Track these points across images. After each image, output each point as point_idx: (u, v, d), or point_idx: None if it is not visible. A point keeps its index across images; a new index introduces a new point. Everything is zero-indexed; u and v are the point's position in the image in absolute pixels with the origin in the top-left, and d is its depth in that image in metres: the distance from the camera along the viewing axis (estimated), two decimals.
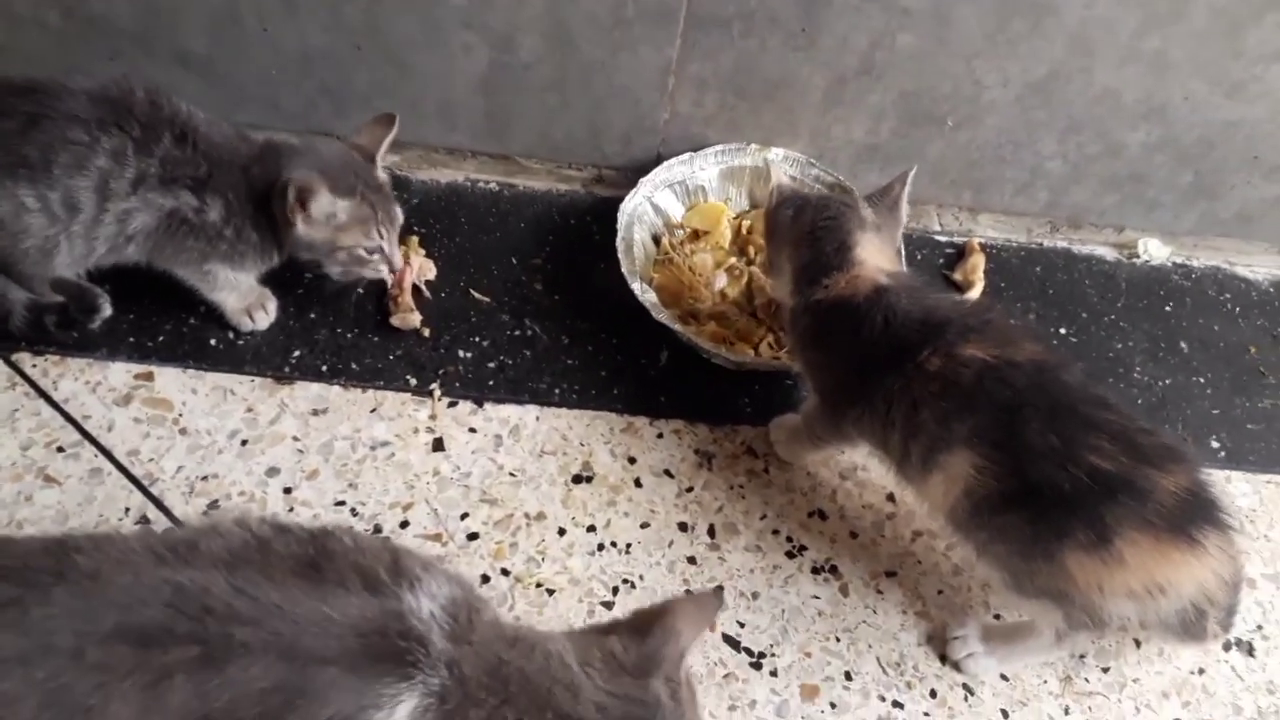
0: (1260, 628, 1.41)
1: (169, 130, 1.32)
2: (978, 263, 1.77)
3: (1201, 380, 1.69)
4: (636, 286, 1.54)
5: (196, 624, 0.79)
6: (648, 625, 0.92)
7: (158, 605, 0.79)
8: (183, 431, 1.40)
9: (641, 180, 1.67)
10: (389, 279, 1.49)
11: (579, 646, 0.90)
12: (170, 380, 1.45)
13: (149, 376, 1.45)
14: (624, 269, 1.56)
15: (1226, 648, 1.38)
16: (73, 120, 1.27)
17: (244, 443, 1.40)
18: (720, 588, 1.05)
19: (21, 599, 0.79)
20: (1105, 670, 1.35)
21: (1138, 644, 1.37)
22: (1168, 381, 1.68)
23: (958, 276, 1.76)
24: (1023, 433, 1.14)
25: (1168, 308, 1.79)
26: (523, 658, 0.87)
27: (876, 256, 1.34)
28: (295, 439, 1.42)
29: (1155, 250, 1.86)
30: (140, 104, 1.31)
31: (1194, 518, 1.10)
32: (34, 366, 1.43)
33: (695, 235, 1.70)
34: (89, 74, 1.32)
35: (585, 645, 0.91)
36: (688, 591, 1.34)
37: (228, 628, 0.79)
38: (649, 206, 1.68)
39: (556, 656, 0.88)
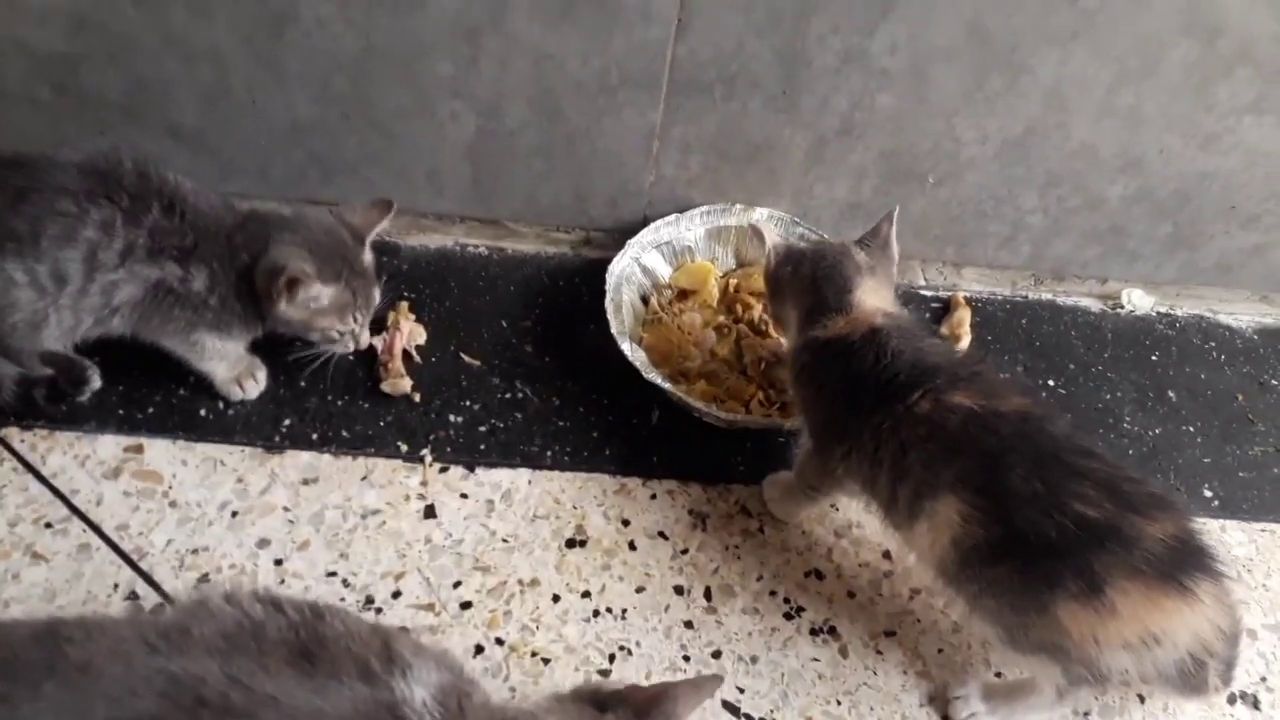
0: (1264, 679, 1.40)
1: (157, 201, 1.32)
2: (963, 317, 1.78)
3: (1191, 429, 1.69)
4: (626, 347, 1.55)
5: (190, 717, 0.78)
6: (646, 708, 0.92)
7: (151, 697, 0.78)
8: (172, 504, 1.39)
9: (629, 242, 1.69)
10: (350, 354, 1.50)
11: None
12: (160, 452, 1.44)
13: (138, 449, 1.44)
14: (613, 329, 1.56)
15: (1231, 701, 1.37)
16: (61, 192, 1.27)
17: (234, 514, 1.39)
18: (719, 676, 1.04)
19: (11, 695, 0.77)
20: None
21: (1141, 700, 1.35)
22: (1157, 431, 1.68)
23: (944, 331, 1.77)
24: (1007, 479, 1.14)
25: (1154, 357, 1.80)
26: None
27: (873, 298, 1.37)
28: (286, 509, 1.40)
29: (1139, 300, 1.88)
30: (129, 175, 1.31)
31: (1184, 565, 1.10)
32: (22, 441, 1.42)
33: (683, 295, 1.71)
34: (77, 147, 1.33)
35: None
36: (685, 658, 1.33)
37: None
38: (637, 267, 1.70)
39: None
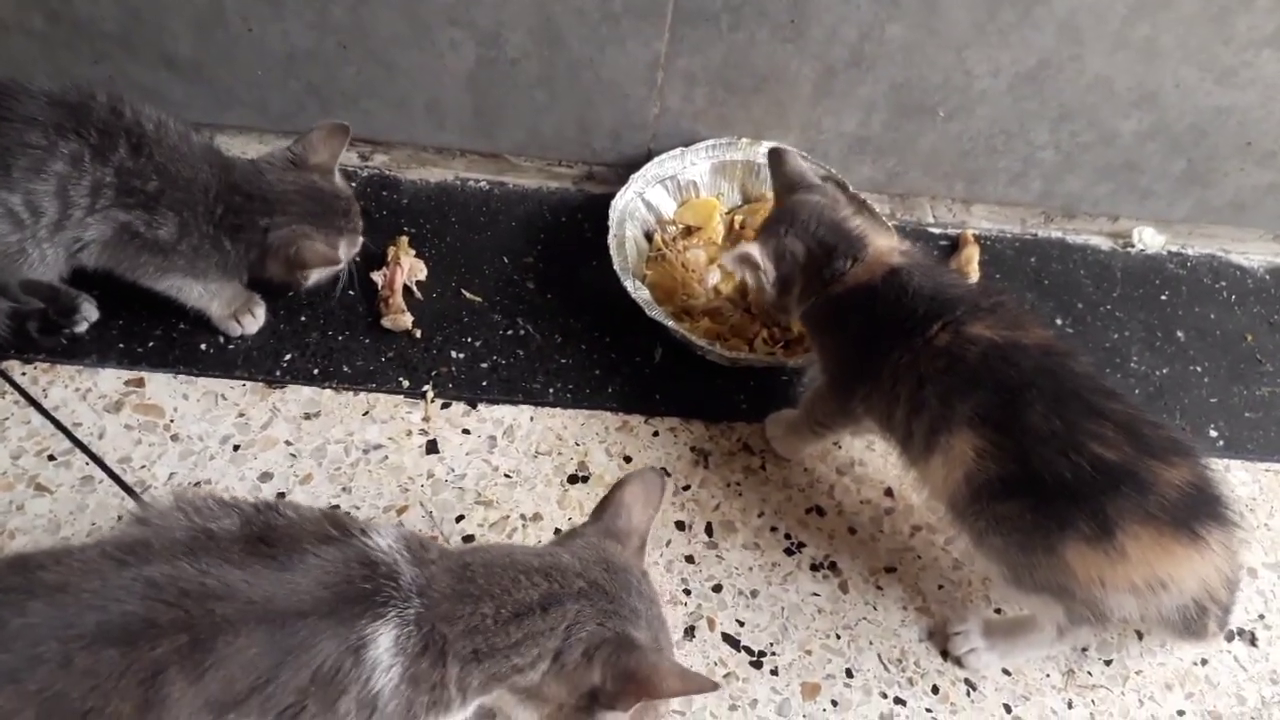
0: (1262, 617, 1.40)
1: (125, 139, 1.28)
2: (972, 254, 1.76)
3: (1199, 369, 1.68)
4: (629, 284, 1.53)
5: (178, 610, 0.80)
6: (600, 507, 1.03)
7: (134, 601, 0.80)
8: (174, 438, 1.39)
9: (632, 176, 1.66)
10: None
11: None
12: (161, 386, 1.44)
13: (139, 383, 1.43)
14: (616, 266, 1.55)
15: (1229, 638, 1.37)
16: (30, 123, 1.24)
17: (236, 448, 1.39)
18: (663, 469, 1.06)
19: None
20: (1108, 663, 1.34)
21: (1140, 636, 1.36)
22: (1165, 371, 1.67)
23: (953, 268, 1.75)
24: (1025, 415, 1.13)
25: (1164, 297, 1.78)
26: (485, 554, 0.95)
27: (879, 235, 1.35)
28: (288, 443, 1.40)
29: (1150, 239, 1.85)
30: (100, 110, 1.28)
31: (1198, 513, 1.09)
32: (23, 374, 1.41)
33: (688, 231, 1.69)
34: (52, 79, 1.30)
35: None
36: (686, 591, 1.33)
37: (207, 605, 0.81)
38: (640, 203, 1.67)
39: (517, 549, 0.97)
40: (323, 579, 0.87)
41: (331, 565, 0.88)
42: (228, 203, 1.35)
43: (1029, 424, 1.12)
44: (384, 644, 0.86)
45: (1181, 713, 1.31)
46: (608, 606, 0.92)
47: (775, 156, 1.47)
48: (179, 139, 1.33)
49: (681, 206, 1.72)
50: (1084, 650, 1.34)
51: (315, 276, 1.44)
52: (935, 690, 1.29)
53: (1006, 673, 1.31)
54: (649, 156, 1.70)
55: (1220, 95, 1.63)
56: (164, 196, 1.31)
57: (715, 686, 0.94)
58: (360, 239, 1.46)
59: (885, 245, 1.33)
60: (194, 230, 1.34)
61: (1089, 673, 1.33)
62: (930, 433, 1.19)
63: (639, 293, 1.53)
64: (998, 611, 1.36)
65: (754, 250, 1.35)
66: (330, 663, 0.83)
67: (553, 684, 0.91)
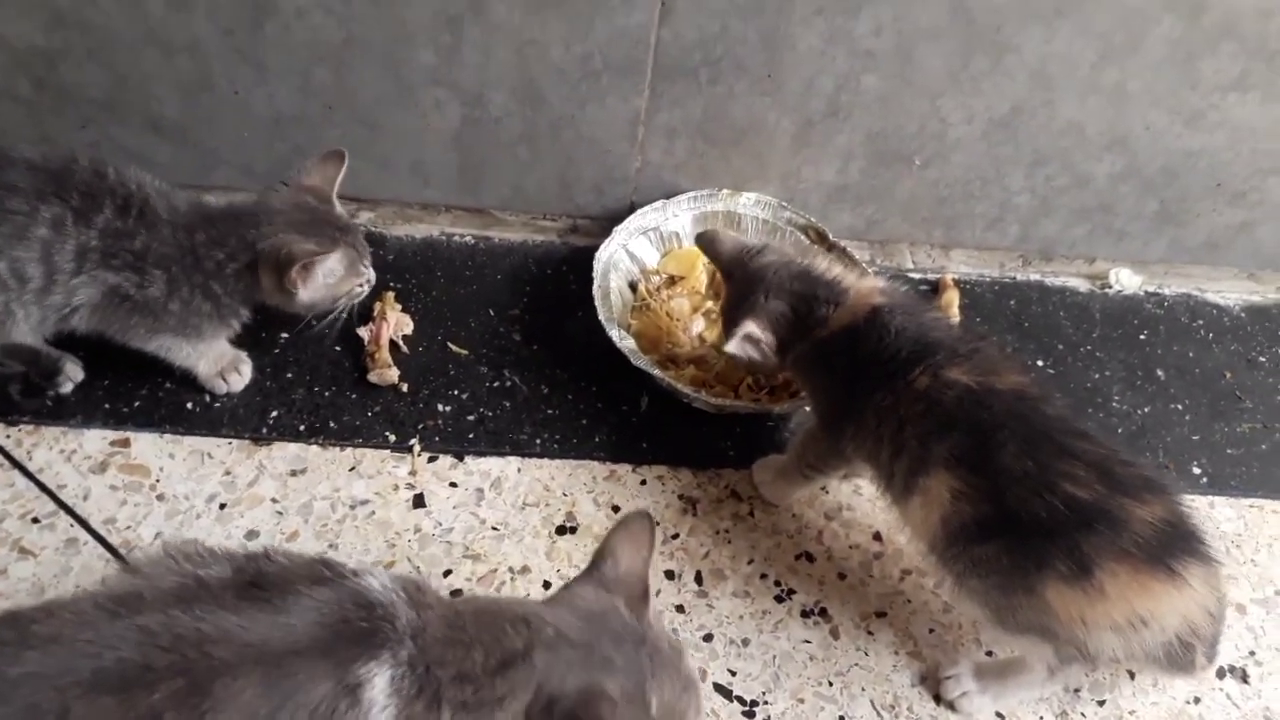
0: (1253, 653, 1.40)
1: (110, 200, 1.28)
2: (952, 299, 1.78)
3: (1179, 407, 1.69)
4: (615, 333, 1.54)
5: (174, 654, 0.80)
6: (596, 560, 1.02)
7: (129, 647, 0.80)
8: (160, 497, 1.38)
9: (616, 228, 1.69)
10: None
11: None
12: (147, 445, 1.43)
13: (125, 443, 1.43)
14: (601, 316, 1.56)
15: (1220, 675, 1.37)
16: (10, 190, 1.25)
17: (222, 506, 1.39)
18: (643, 512, 1.06)
19: None
20: (1101, 703, 1.33)
21: (1132, 675, 1.35)
22: (1146, 410, 1.69)
23: (935, 306, 1.77)
24: (998, 456, 1.14)
25: (1142, 336, 1.80)
26: (476, 603, 0.95)
27: (856, 277, 1.37)
28: (274, 500, 1.40)
29: (1127, 280, 1.88)
30: (82, 173, 1.28)
31: (1173, 549, 1.09)
32: (8, 437, 1.41)
33: (671, 281, 1.71)
34: (32, 146, 1.31)
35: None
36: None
37: (204, 649, 0.81)
38: (624, 254, 1.69)
39: (503, 599, 0.98)
40: (319, 619, 0.87)
41: (327, 605, 0.88)
42: (210, 235, 1.32)
43: (1002, 464, 1.13)
44: (380, 685, 0.85)
45: None
46: (573, 656, 0.91)
47: (706, 241, 1.47)
48: (160, 197, 1.33)
49: (665, 256, 1.74)
50: (1076, 691, 1.33)
51: (310, 294, 1.35)
52: None
53: (1000, 716, 1.30)
54: (631, 209, 1.73)
55: (1189, 138, 1.67)
56: (150, 253, 1.30)
57: None
58: (367, 265, 1.41)
59: (866, 286, 1.35)
60: (183, 284, 1.33)
61: (1082, 714, 1.32)
62: (909, 474, 1.20)
63: (624, 342, 1.54)
64: (989, 654, 1.36)
65: (753, 328, 1.35)
66: (326, 704, 0.83)
67: None
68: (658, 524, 1.42)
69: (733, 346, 1.37)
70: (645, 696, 0.92)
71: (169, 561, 0.91)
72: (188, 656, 0.80)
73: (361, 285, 1.42)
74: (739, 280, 1.41)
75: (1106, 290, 1.88)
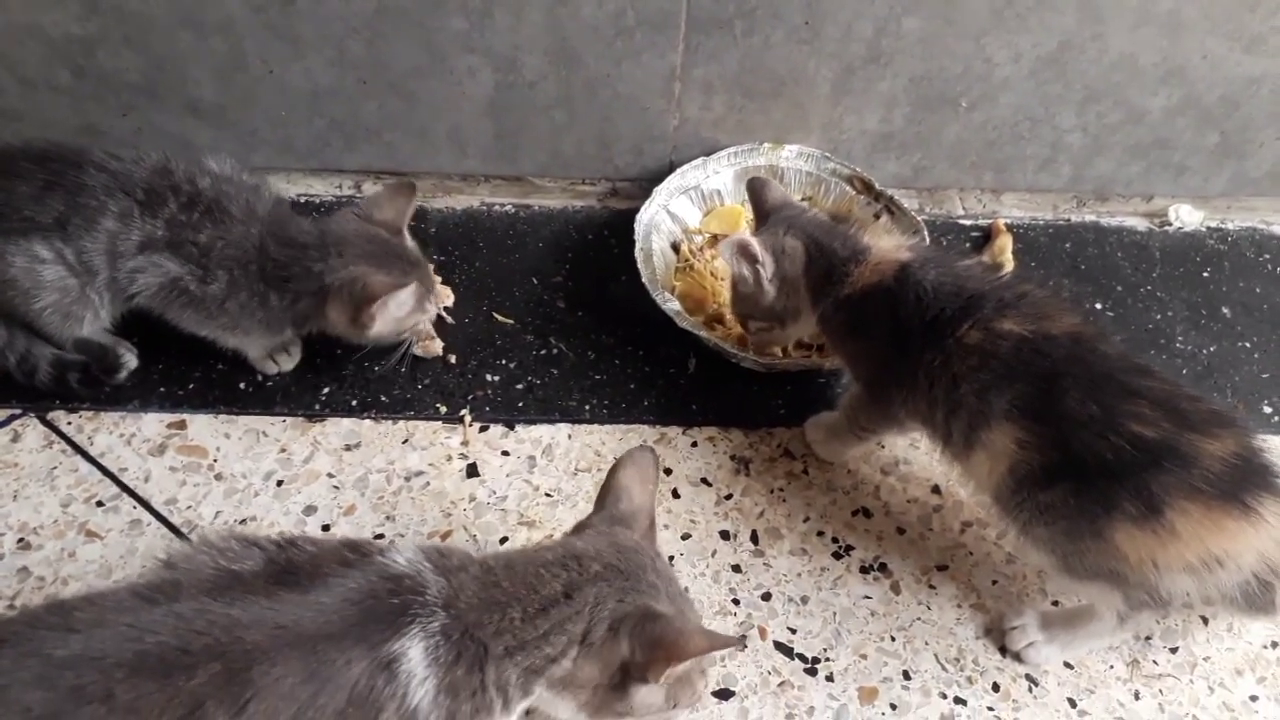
0: None
1: (174, 195, 1.32)
2: (1005, 244, 1.74)
3: (1247, 345, 1.64)
4: (659, 296, 1.53)
5: (208, 638, 0.82)
6: (601, 496, 1.05)
7: (166, 633, 0.82)
8: (218, 477, 1.40)
9: (656, 189, 1.66)
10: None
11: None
12: (203, 427, 1.45)
13: (181, 425, 1.45)
14: (645, 279, 1.54)
15: None
16: (81, 188, 1.30)
17: (279, 483, 1.40)
18: (646, 447, 1.08)
19: (42, 648, 0.81)
20: (1173, 651, 1.30)
21: (1205, 621, 1.32)
22: (1212, 349, 1.63)
23: (985, 259, 1.72)
24: (1062, 403, 1.11)
25: (1205, 274, 1.74)
26: (506, 561, 0.95)
27: (881, 237, 1.35)
28: (330, 475, 1.41)
29: (1187, 216, 1.81)
30: (146, 171, 1.33)
31: (1246, 484, 1.06)
32: (69, 424, 1.44)
33: (714, 240, 1.68)
34: (102, 145, 1.36)
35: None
36: (735, 601, 1.32)
37: (235, 633, 0.83)
38: (665, 215, 1.67)
39: (532, 548, 0.99)
40: (348, 599, 0.88)
41: (355, 585, 0.89)
42: (276, 257, 1.34)
43: (1066, 410, 1.11)
44: (416, 656, 0.87)
45: (1254, 698, 1.27)
46: (625, 584, 0.94)
47: (756, 185, 1.47)
48: (239, 195, 1.35)
49: (707, 215, 1.71)
50: (1147, 639, 1.30)
51: (380, 326, 1.36)
52: (996, 688, 1.26)
53: (1068, 666, 1.28)
54: (671, 168, 1.70)
55: (1250, 64, 1.60)
56: (215, 251, 1.33)
57: (741, 640, 1.01)
58: (433, 300, 1.43)
59: (889, 244, 1.33)
60: (243, 288, 1.35)
61: (1154, 661, 1.29)
62: (969, 429, 1.18)
63: (669, 304, 1.53)
64: (1055, 604, 1.33)
65: (753, 241, 1.35)
66: (364, 681, 0.84)
67: (585, 666, 0.92)
68: (710, 485, 1.42)
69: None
70: (684, 614, 0.97)
71: (204, 555, 0.93)
72: (221, 641, 0.82)
73: (427, 319, 1.45)
74: (768, 224, 1.42)
75: (1166, 228, 1.81)
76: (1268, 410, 1.55)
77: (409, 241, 1.43)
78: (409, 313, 1.39)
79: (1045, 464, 1.12)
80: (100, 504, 1.36)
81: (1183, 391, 1.13)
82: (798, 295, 1.38)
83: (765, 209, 1.44)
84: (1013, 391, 1.15)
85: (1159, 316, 1.67)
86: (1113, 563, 1.10)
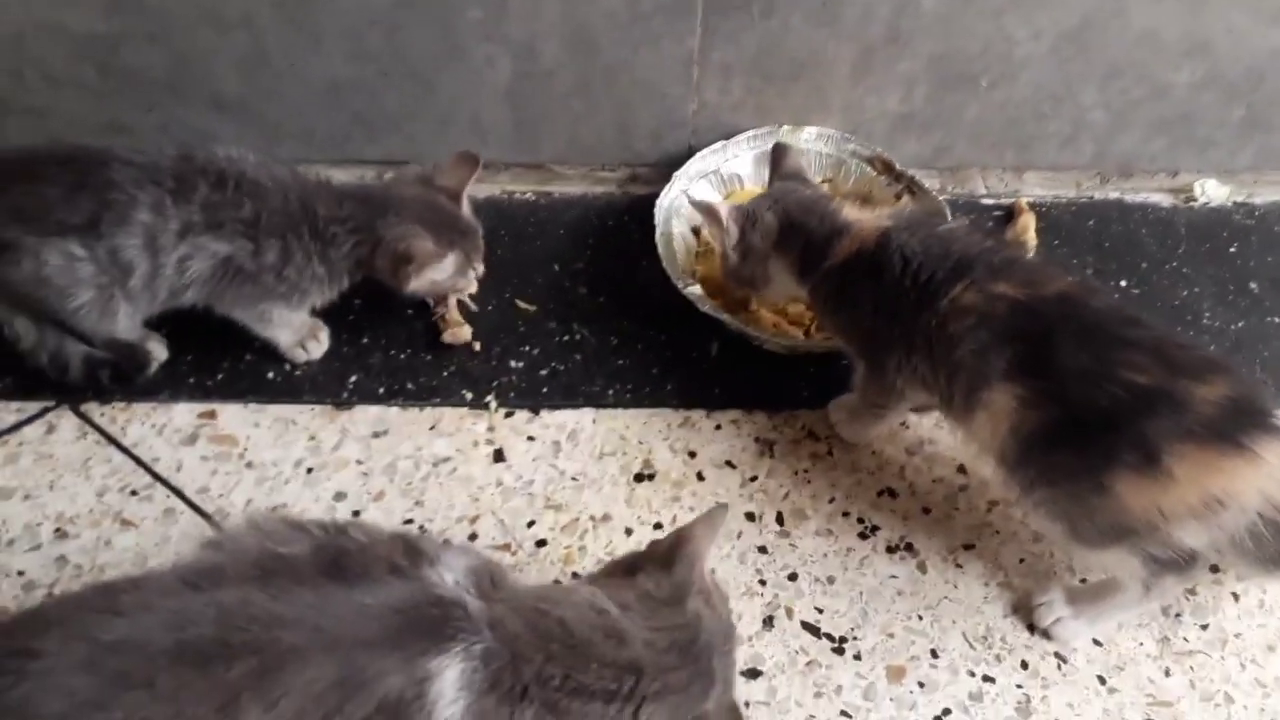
0: None
1: (203, 179, 1.34)
2: (1028, 223, 1.73)
3: (1276, 319, 1.62)
4: (680, 281, 1.53)
5: (246, 633, 0.81)
6: (669, 557, 0.99)
7: (207, 624, 0.82)
8: (249, 465, 1.42)
9: (675, 174, 1.66)
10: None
11: (610, 591, 0.96)
12: (233, 416, 1.47)
13: (212, 415, 1.47)
14: (665, 264, 1.55)
15: None
16: (109, 184, 1.31)
17: (309, 470, 1.42)
18: (724, 505, 1.09)
19: (87, 632, 0.81)
20: (1204, 627, 1.29)
21: (1235, 597, 1.31)
22: (1240, 324, 1.62)
23: (1009, 239, 1.72)
24: (1057, 357, 1.13)
25: (1232, 249, 1.73)
26: (559, 609, 0.91)
27: (857, 210, 1.37)
28: (359, 462, 1.43)
29: (1213, 191, 1.80)
30: (170, 160, 1.34)
31: (1241, 425, 1.07)
32: (102, 415, 1.46)
33: None
34: (127, 141, 1.37)
35: (616, 589, 0.96)
36: (761, 582, 1.32)
37: (274, 632, 0.82)
38: (685, 199, 1.67)
39: (592, 605, 0.93)
40: (394, 604, 0.87)
41: (399, 595, 0.88)
42: (334, 210, 1.39)
43: (1061, 363, 1.12)
44: (450, 677, 0.84)
45: None
46: (678, 699, 0.91)
47: (778, 151, 1.51)
48: (260, 168, 1.38)
49: (727, 199, 1.71)
50: (1177, 615, 1.30)
51: (416, 284, 1.43)
52: (1025, 665, 1.26)
53: (1097, 643, 1.28)
54: (690, 153, 1.70)
55: (1275, 36, 1.58)
56: (262, 221, 1.35)
57: None
58: (477, 266, 1.50)
59: (870, 216, 1.35)
60: (297, 250, 1.38)
61: (1185, 638, 1.29)
62: (970, 391, 1.19)
63: (690, 288, 1.53)
64: (1082, 581, 1.33)
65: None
66: (395, 693, 0.83)
67: None
68: (734, 467, 1.43)
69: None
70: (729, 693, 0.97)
71: (250, 537, 0.92)
72: (261, 638, 0.81)
73: (466, 288, 1.54)
74: (765, 193, 1.48)
75: (1191, 204, 1.80)
76: None
77: (466, 208, 1.48)
78: (448, 277, 1.46)
79: (1045, 421, 1.13)
80: (134, 493, 1.38)
81: (1173, 339, 1.15)
82: (764, 265, 1.41)
83: (777, 175, 1.48)
84: (1011, 350, 1.16)
85: (1185, 293, 1.66)
86: (1120, 517, 1.10)
